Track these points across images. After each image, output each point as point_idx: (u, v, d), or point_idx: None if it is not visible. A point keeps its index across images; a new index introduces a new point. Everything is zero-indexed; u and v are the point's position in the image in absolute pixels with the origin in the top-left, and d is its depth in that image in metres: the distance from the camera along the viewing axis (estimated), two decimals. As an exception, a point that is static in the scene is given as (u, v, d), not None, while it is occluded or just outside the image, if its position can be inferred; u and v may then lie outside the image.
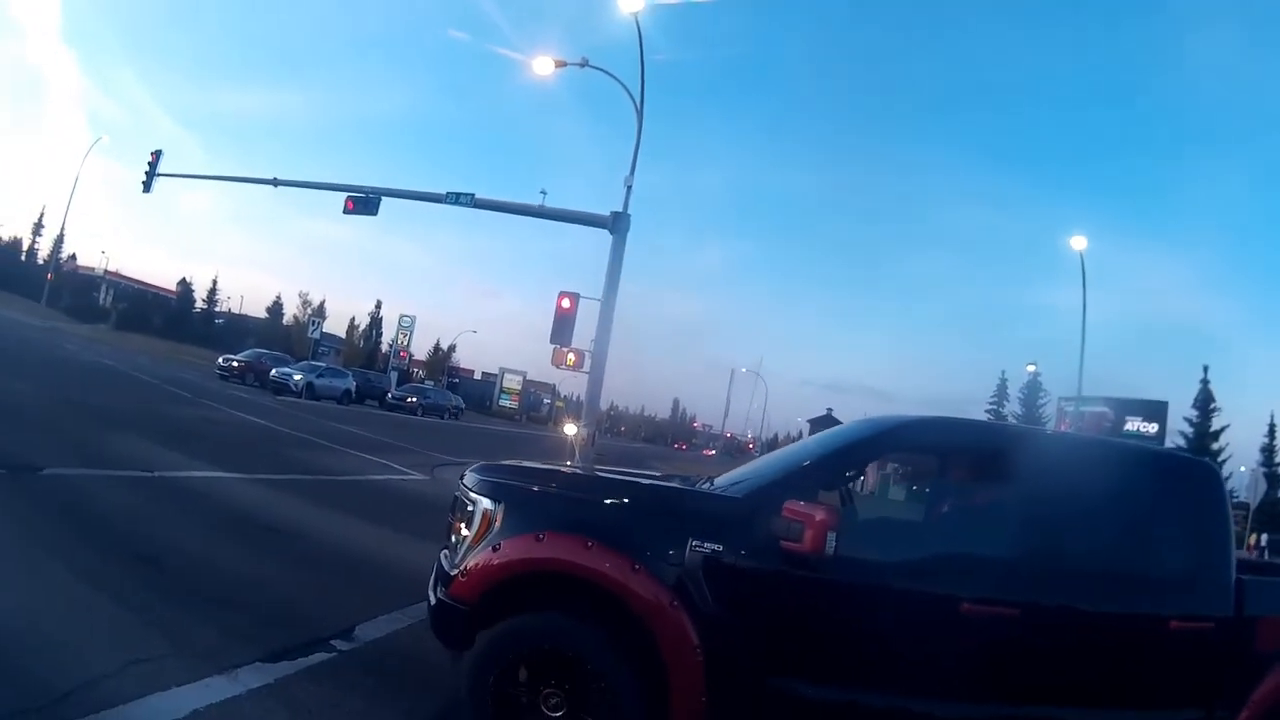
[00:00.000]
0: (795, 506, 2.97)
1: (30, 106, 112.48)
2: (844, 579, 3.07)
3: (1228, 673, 3.15)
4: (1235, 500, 30.01)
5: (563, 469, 4.09)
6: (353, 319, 71.46)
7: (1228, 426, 38.49)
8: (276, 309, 68.22)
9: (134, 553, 5.05)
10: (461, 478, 3.75)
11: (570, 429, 19.01)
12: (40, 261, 61.33)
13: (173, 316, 61.40)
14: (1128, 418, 27.70)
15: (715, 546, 3.05)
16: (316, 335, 45.65)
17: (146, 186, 25.44)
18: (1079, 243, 26.63)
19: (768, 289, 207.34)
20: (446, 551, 3.57)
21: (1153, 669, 3.16)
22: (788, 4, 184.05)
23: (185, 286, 66.45)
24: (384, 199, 22.08)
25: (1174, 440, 32.79)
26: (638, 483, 3.68)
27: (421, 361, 72.15)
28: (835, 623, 3.12)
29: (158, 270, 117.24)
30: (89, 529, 5.43)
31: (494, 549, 3.20)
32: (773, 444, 59.45)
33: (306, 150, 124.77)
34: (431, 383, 55.72)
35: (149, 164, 25.41)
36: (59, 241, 53.92)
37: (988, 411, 46.23)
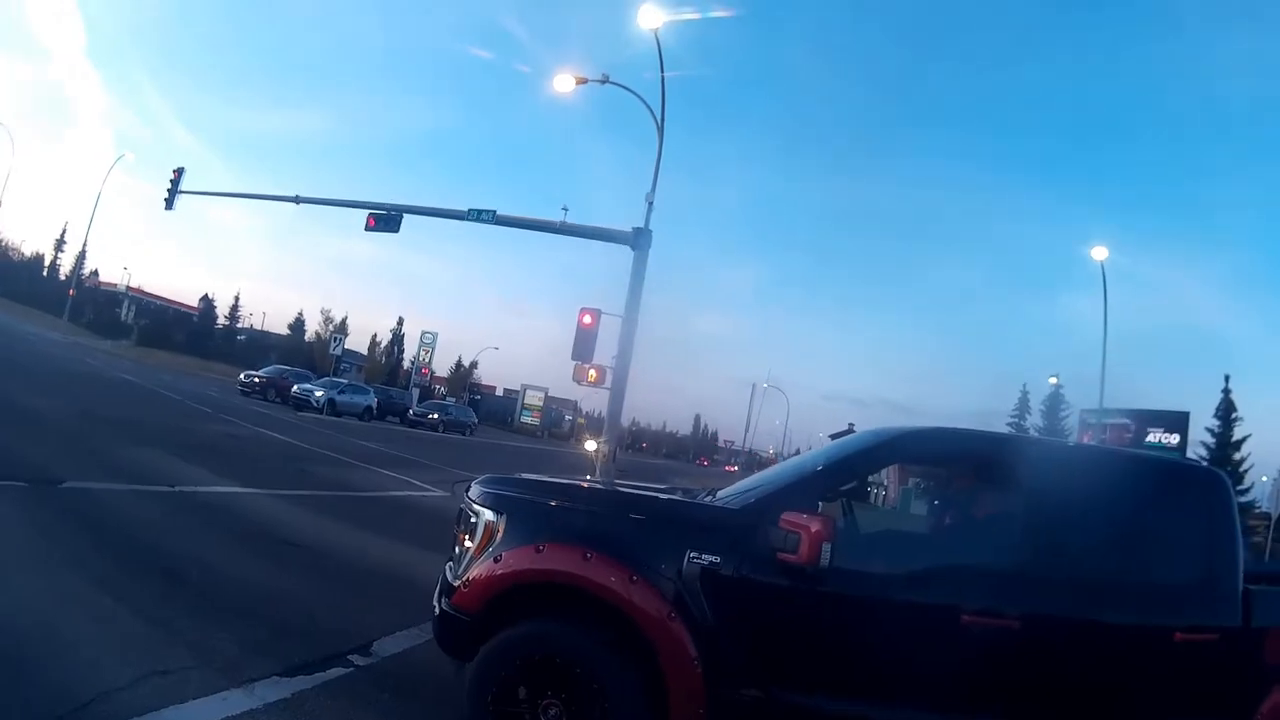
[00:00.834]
0: (791, 518, 3.00)
1: (54, 124, 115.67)
2: (839, 590, 3.08)
3: (1234, 685, 3.10)
4: (1257, 510, 29.40)
5: (565, 482, 4.13)
6: (374, 335, 72.18)
7: (1249, 436, 37.80)
8: (298, 325, 69.04)
9: (155, 566, 5.17)
10: (466, 490, 3.82)
11: (591, 445, 19.08)
12: (62, 277, 62.65)
13: (195, 332, 62.45)
14: (1149, 429, 27.25)
15: (713, 558, 3.08)
16: (338, 351, 46.18)
17: (169, 203, 25.94)
18: (1100, 253, 26.48)
19: (791, 303, 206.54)
20: (451, 563, 3.64)
21: (1157, 681, 3.12)
22: (806, 18, 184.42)
23: (207, 303, 67.68)
24: (406, 215, 22.42)
25: (1195, 451, 32.21)
26: (637, 495, 3.73)
27: (443, 378, 72.68)
28: (831, 634, 3.13)
29: (180, 286, 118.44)
30: (110, 542, 5.55)
31: (495, 560, 3.26)
32: (795, 459, 58.78)
33: (328, 167, 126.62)
34: (453, 399, 56.06)
35: (171, 181, 25.92)
36: (81, 257, 55.19)
37: (1009, 424, 45.64)
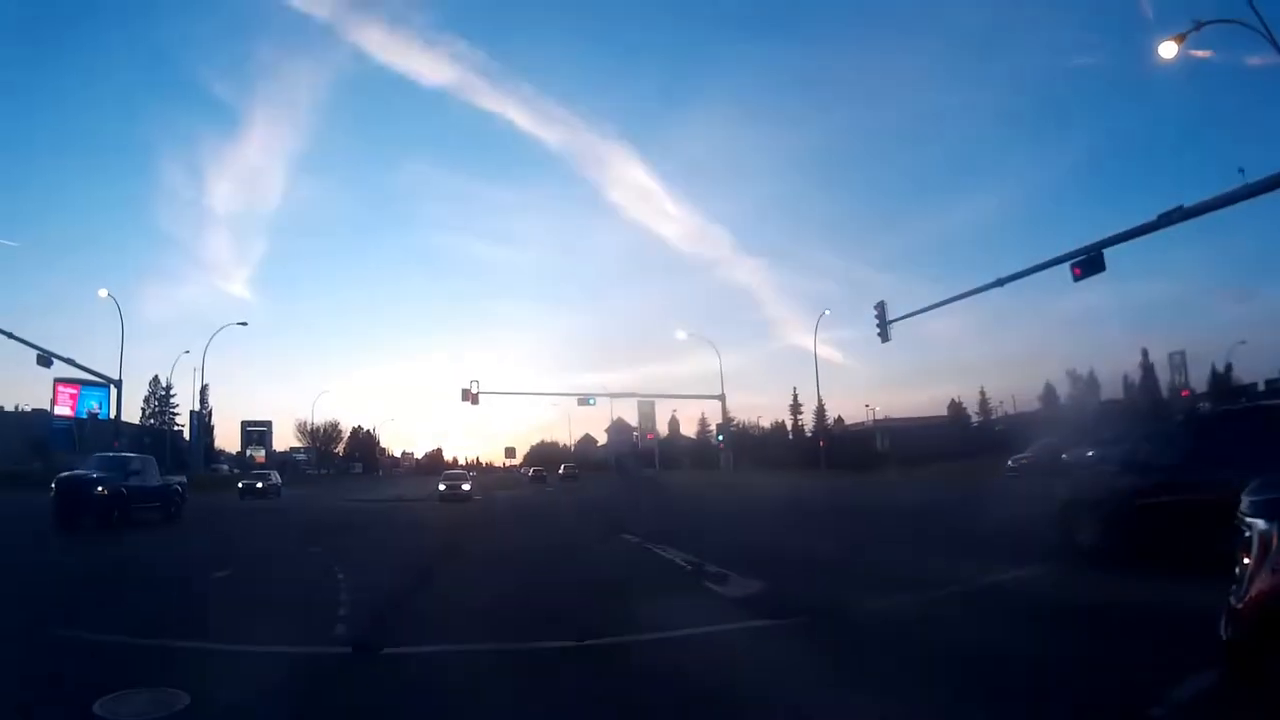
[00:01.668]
0: None
1: (752, 321, 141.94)
2: None
3: None
4: None
5: None
6: (1125, 375, 66.85)
7: None
8: (1049, 396, 67.66)
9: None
10: (1239, 505, 3.51)
11: None
12: (807, 434, 74.06)
13: (948, 437, 65.49)
14: None
15: None
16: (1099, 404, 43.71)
17: (884, 336, 29.18)
18: None
19: None
20: (1234, 587, 3.31)
21: None
22: None
23: (956, 407, 71.67)
24: (1105, 250, 20.84)
25: None
26: None
27: (1206, 394, 61.68)
28: None
29: (920, 403, 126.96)
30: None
31: (1274, 571, 2.91)
32: None
33: (1008, 238, 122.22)
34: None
35: (877, 316, 29.22)
36: (819, 412, 63.95)
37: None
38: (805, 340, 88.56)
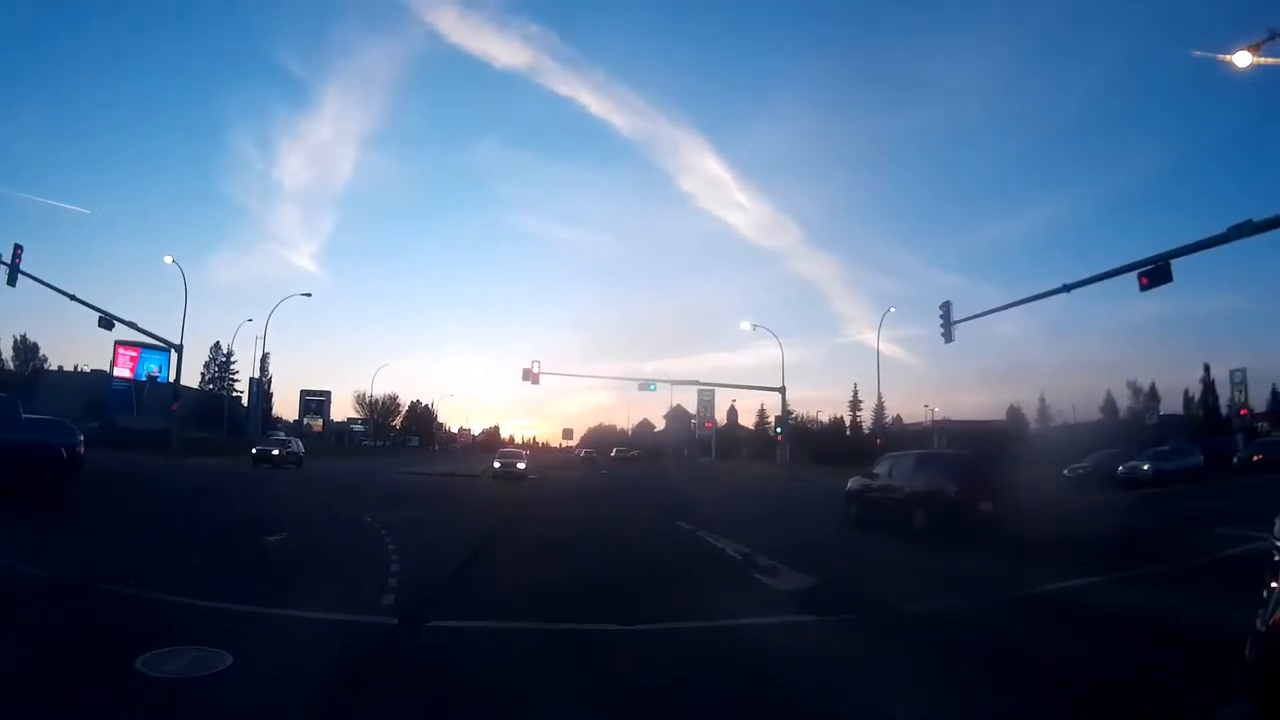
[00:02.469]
0: None
1: (811, 311, 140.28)
2: None
3: None
4: None
5: None
6: (1186, 390, 63.94)
7: None
8: (1110, 407, 65.52)
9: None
10: (1274, 529, 3.52)
11: None
12: (865, 431, 72.30)
13: (1006, 441, 63.65)
14: None
15: None
16: (1153, 420, 42.41)
17: (947, 336, 28.55)
18: None
19: None
20: (1261, 610, 3.39)
21: None
22: None
23: (1014, 411, 69.61)
24: (1173, 260, 20.30)
25: None
26: None
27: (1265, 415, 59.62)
28: None
29: (982, 406, 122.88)
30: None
31: (1297, 597, 2.97)
32: None
33: (1076, 244, 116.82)
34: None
35: (942, 316, 28.51)
36: (879, 409, 62.45)
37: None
38: (868, 337, 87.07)
